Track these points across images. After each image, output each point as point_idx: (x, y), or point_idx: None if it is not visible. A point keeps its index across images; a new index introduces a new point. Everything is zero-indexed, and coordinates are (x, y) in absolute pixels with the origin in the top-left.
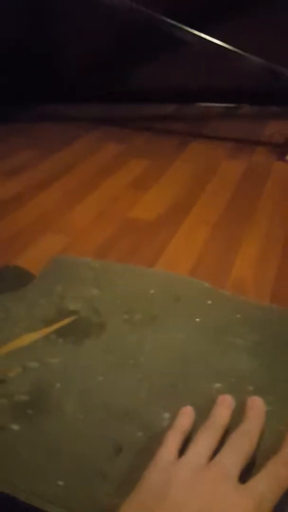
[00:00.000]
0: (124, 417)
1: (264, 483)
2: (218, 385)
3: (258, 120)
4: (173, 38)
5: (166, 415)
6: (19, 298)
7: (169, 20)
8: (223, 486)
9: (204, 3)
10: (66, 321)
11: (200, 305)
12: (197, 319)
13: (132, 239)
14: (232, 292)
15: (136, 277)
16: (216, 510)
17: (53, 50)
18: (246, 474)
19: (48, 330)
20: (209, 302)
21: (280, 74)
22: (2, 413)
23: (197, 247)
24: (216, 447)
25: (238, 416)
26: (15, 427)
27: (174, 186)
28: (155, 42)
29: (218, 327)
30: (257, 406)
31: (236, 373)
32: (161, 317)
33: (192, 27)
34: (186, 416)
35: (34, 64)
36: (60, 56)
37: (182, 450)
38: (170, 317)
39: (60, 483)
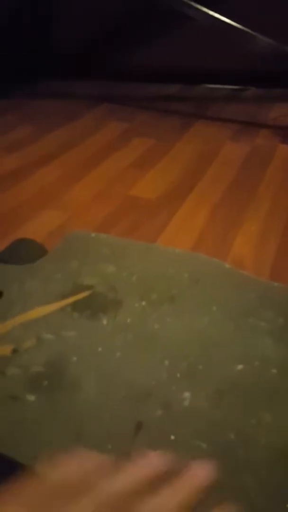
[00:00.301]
0: (144, 395)
1: None
2: (240, 366)
3: (263, 102)
4: (179, 14)
5: (187, 394)
6: (33, 272)
7: None
8: None
9: None
10: (81, 295)
11: (220, 286)
12: (218, 301)
13: (132, 217)
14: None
15: (154, 255)
16: None
17: (54, 25)
18: None
19: (63, 303)
20: (230, 283)
21: None
22: (17, 383)
23: (198, 226)
24: None
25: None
26: (31, 397)
27: (177, 166)
28: (161, 19)
29: (240, 310)
30: (197, 473)
31: (260, 356)
32: (180, 297)
33: (199, 3)
34: None
35: (33, 39)
36: (60, 31)
37: None
38: (189, 298)
39: None
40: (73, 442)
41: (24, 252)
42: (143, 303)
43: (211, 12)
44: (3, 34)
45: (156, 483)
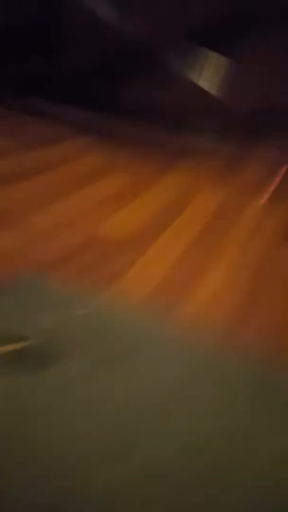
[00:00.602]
0: (67, 476)
1: None
2: (178, 445)
3: (244, 158)
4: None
5: (111, 477)
6: None
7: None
8: None
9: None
10: (18, 345)
11: (168, 352)
12: (167, 367)
13: (94, 255)
14: (185, 326)
15: (105, 309)
16: None
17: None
18: None
19: None
20: (181, 348)
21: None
22: None
23: (159, 276)
24: None
25: None
26: None
27: (150, 209)
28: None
29: (186, 378)
30: None
31: (197, 434)
32: (128, 359)
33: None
34: None
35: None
36: (60, 55)
37: None
38: (139, 360)
39: None
40: None
41: None
42: (88, 362)
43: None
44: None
45: None
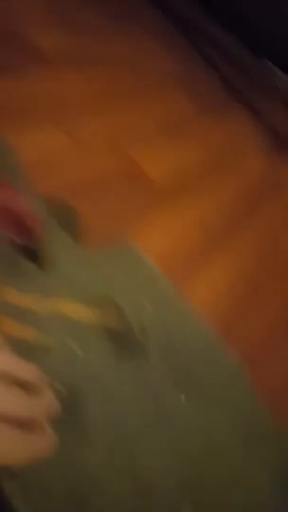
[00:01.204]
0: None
1: None
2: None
3: None
4: None
5: None
6: (79, 256)
7: None
8: None
9: None
10: (109, 311)
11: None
12: (230, 408)
13: (126, 191)
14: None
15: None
16: None
17: None
18: None
19: (91, 315)
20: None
21: None
22: None
23: (178, 237)
24: None
25: None
26: None
27: (196, 150)
28: None
29: (248, 430)
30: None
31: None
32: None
33: None
34: None
35: None
36: None
37: None
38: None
39: None
40: None
41: (63, 217)
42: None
43: None
44: None
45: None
